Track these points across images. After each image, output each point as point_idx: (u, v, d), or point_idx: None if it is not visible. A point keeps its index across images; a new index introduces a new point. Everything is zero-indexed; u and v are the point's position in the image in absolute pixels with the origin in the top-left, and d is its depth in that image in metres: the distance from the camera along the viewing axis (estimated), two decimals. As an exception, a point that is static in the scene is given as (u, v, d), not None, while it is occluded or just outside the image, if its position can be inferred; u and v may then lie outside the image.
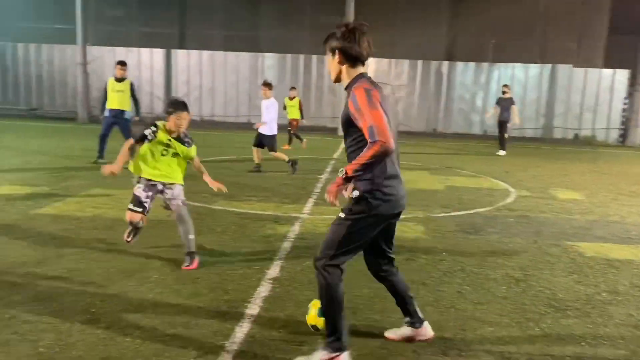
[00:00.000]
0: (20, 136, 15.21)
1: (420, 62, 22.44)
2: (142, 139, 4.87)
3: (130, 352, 3.25)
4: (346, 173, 3.00)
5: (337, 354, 3.14)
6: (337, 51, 3.16)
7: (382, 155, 2.91)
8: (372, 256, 3.48)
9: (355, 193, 3.10)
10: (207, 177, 5.14)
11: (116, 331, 3.51)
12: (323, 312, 3.30)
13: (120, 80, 10.66)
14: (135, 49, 23.33)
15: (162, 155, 4.94)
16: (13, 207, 6.81)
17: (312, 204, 7.78)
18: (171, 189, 4.99)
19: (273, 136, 10.50)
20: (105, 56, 23.02)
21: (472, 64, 22.33)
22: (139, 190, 4.93)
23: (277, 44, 23.53)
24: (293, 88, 16.11)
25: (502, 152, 15.63)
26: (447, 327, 3.84)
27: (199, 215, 6.78)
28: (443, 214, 7.51)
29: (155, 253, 5.20)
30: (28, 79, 23.87)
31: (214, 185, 5.09)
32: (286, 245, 5.65)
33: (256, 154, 10.55)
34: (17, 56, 23.85)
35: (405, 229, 6.51)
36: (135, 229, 5.03)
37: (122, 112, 10.65)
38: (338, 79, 3.24)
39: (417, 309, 3.54)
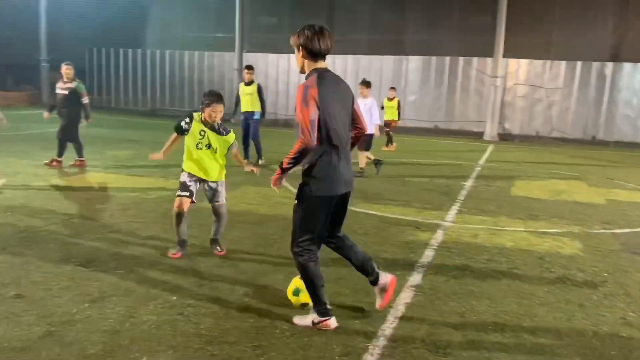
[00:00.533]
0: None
1: (579, 64, 20.62)
2: (179, 129, 5.09)
3: (279, 343, 3.42)
4: (281, 165, 3.59)
5: (325, 318, 3.65)
6: (300, 47, 3.58)
7: (305, 152, 3.43)
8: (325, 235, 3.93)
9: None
10: (247, 167, 5.38)
11: (267, 322, 3.73)
12: (298, 291, 3.89)
13: (249, 84, 11.28)
14: (285, 55, 24.58)
15: (198, 148, 5.04)
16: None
17: (455, 211, 7.54)
18: (211, 187, 5.17)
19: (371, 136, 10.25)
20: (259, 62, 24.60)
21: (642, 65, 19.99)
22: (184, 176, 5.10)
23: (423, 46, 23.21)
24: (392, 88, 15.76)
25: None
26: (607, 355, 3.48)
27: (342, 216, 6.93)
28: (603, 231, 6.82)
29: (301, 250, 5.41)
30: (191, 83, 26.37)
31: (248, 167, 5.35)
32: (428, 253, 5.55)
33: (363, 159, 10.25)
34: (184, 63, 26.47)
35: (560, 245, 6.03)
36: (181, 241, 5.08)
37: (252, 113, 11.26)
38: (302, 71, 3.69)
39: (374, 266, 4.06)
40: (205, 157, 5.07)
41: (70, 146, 9.82)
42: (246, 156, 11.35)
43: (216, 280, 4.47)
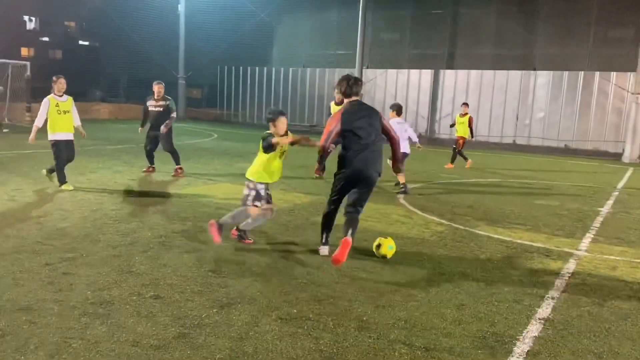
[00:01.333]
0: (301, 149, 17.34)
1: None
2: (271, 148, 5.64)
3: (398, 368, 3.35)
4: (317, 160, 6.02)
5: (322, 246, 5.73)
6: (339, 90, 5.79)
7: (322, 150, 5.68)
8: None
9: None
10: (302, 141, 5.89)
11: (385, 343, 3.67)
12: (379, 246, 5.70)
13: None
14: (405, 70, 24.51)
15: (279, 158, 5.78)
16: (299, 213, 7.77)
17: (590, 239, 6.94)
18: (268, 191, 5.90)
19: (405, 155, 9.86)
20: (378, 78, 24.77)
21: None
22: (261, 189, 5.74)
23: (553, 61, 21.87)
24: (465, 104, 14.79)
25: None
26: None
27: (462, 238, 6.70)
28: None
29: (419, 273, 5.29)
30: (312, 98, 27.20)
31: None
32: (559, 283, 5.14)
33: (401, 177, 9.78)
34: (305, 79, 27.41)
35: None
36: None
37: None
38: (340, 102, 6.16)
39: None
40: (279, 164, 5.84)
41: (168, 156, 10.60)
42: None
43: (335, 296, 4.51)
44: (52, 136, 8.54)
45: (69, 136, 8.70)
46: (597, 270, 5.62)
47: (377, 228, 7.01)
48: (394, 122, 10.40)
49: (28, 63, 21.65)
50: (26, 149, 13.47)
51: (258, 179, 5.74)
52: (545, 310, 4.45)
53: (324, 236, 5.74)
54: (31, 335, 3.53)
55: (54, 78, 8.83)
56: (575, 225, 7.73)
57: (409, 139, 10.47)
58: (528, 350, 3.69)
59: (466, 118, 14.43)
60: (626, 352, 3.75)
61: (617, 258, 6.09)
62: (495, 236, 6.88)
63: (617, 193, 11.03)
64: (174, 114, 10.64)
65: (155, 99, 10.56)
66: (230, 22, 28.31)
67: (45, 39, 40.11)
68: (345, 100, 5.69)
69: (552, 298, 4.74)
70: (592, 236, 7.13)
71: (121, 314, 3.94)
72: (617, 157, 18.82)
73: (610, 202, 9.91)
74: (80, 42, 41.32)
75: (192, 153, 14.69)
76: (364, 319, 4.07)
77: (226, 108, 30.19)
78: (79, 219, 6.74)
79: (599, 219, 8.29)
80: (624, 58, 19.79)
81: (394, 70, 24.68)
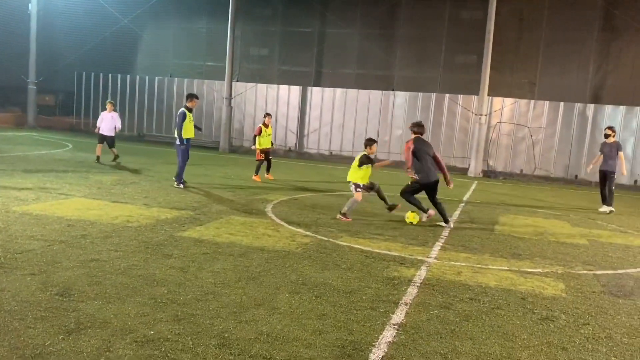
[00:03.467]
0: (169, 162, 16.74)
1: (562, 104, 21.13)
2: (370, 161, 9.40)
3: (258, 383, 3.33)
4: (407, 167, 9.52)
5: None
6: (413, 130, 9.42)
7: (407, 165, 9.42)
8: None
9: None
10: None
11: (246, 359, 3.64)
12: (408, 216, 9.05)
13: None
14: (274, 86, 24.84)
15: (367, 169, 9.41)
16: (162, 228, 7.46)
17: (439, 248, 7.55)
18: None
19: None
20: (248, 91, 24.81)
21: (622, 108, 20.52)
22: (360, 189, 9.36)
23: (410, 82, 23.63)
24: (268, 115, 14.92)
25: (605, 208, 12.55)
26: (591, 402, 3.45)
27: (325, 249, 6.91)
28: (585, 272, 6.86)
29: (283, 285, 5.35)
30: (179, 109, 26.37)
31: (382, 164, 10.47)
32: (411, 290, 5.51)
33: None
34: (172, 89, 26.54)
35: (543, 285, 6.04)
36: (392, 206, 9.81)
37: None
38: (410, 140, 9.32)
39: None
40: (369, 173, 9.47)
41: None
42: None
43: (197, 314, 4.38)
44: None
45: None
46: (445, 275, 6.12)
47: (244, 242, 6.97)
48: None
49: None
50: None
51: (359, 180, 9.42)
52: (398, 315, 4.73)
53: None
54: None
55: None
56: (427, 235, 8.37)
57: None
58: (382, 356, 3.89)
59: (270, 129, 14.48)
60: (467, 351, 4.11)
61: (462, 264, 6.70)
62: (357, 246, 7.20)
63: (463, 204, 12.15)
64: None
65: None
66: (91, 26, 26.54)
67: None
68: (414, 135, 9.46)
69: (405, 304, 5.06)
70: (442, 244, 7.77)
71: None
72: (463, 171, 20.78)
73: (457, 212, 10.89)
74: None
75: (43, 165, 13.45)
76: (226, 335, 4.00)
77: (83, 117, 28.12)
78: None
79: (448, 228, 9.05)
80: (469, 82, 21.98)
81: (264, 85, 24.90)
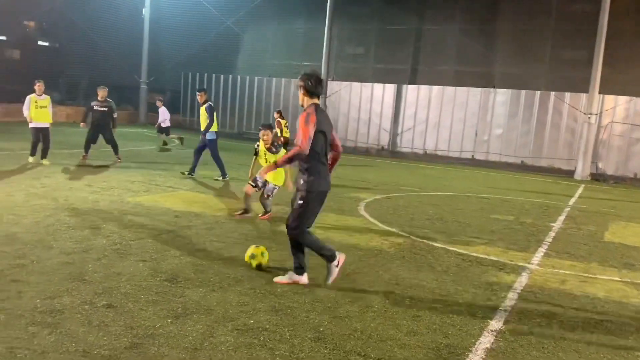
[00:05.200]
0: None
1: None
2: (255, 153, 8.03)
3: (352, 379, 3.37)
4: (276, 162, 5.32)
5: (301, 276, 5.14)
6: (303, 88, 4.98)
7: (299, 156, 4.86)
8: None
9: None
10: (289, 184, 7.59)
11: (340, 354, 3.69)
12: (254, 256, 5.48)
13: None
14: (369, 84, 24.81)
15: (267, 161, 7.66)
16: (261, 222, 7.73)
17: (542, 254, 7.16)
18: (268, 185, 7.81)
19: None
20: (342, 90, 25.00)
21: None
22: (258, 176, 7.64)
23: (512, 79, 22.58)
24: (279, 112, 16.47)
25: None
26: None
27: (419, 250, 6.80)
28: None
29: (376, 284, 5.34)
30: (276, 108, 27.16)
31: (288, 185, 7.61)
32: (512, 296, 5.29)
33: None
34: (270, 89, 27.39)
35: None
36: (246, 211, 7.90)
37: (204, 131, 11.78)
38: (303, 104, 5.04)
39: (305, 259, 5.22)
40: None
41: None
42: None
43: (293, 306, 4.50)
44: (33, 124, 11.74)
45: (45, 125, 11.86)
46: (548, 283, 5.80)
47: (337, 239, 7.05)
48: None
49: (-18, 62, 20.89)
50: (-23, 151, 12.96)
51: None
52: (497, 322, 4.56)
53: (327, 251, 5.15)
54: (-26, 345, 3.39)
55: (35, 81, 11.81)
56: (529, 240, 7.97)
57: None
58: (480, 362, 3.77)
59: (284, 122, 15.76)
60: (572, 364, 3.88)
61: (567, 272, 6.31)
62: (452, 249, 7.02)
63: (568, 209, 11.43)
64: (115, 114, 13.06)
65: (99, 101, 12.76)
66: (196, 28, 28.06)
67: (2, 37, 38.78)
68: (309, 102, 4.97)
69: (505, 310, 4.86)
70: (545, 250, 7.36)
71: (71, 323, 3.82)
72: (569, 174, 19.52)
73: (562, 217, 10.27)
74: (40, 43, 40.12)
75: (153, 159, 14.44)
76: (321, 329, 4.08)
77: (189, 114, 29.82)
78: (32, 224, 6.52)
79: (552, 234, 8.57)
80: (577, 79, 20.60)
81: (358, 84, 24.95)
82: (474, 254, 6.83)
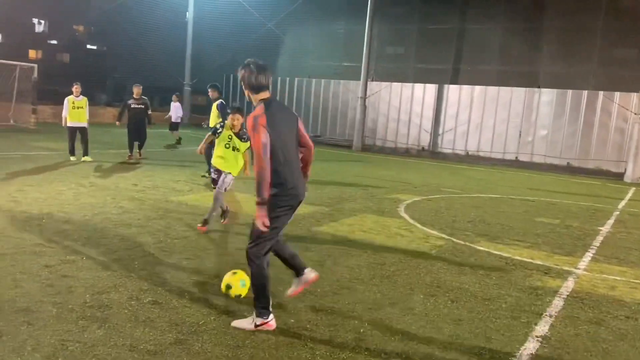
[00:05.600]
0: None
1: None
2: (213, 132, 6.97)
3: (393, 381, 3.35)
4: (257, 202, 3.74)
5: (267, 319, 3.91)
6: (243, 82, 3.93)
7: (263, 173, 3.69)
8: None
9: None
10: (247, 171, 7.03)
11: (381, 356, 3.67)
12: (229, 287, 4.44)
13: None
14: (409, 84, 24.60)
15: (226, 147, 6.82)
16: (299, 223, 7.78)
17: (589, 258, 6.94)
18: (225, 176, 6.84)
19: None
20: (382, 91, 24.87)
21: None
22: (213, 174, 7.05)
23: (557, 79, 21.95)
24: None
25: None
26: None
27: (461, 253, 6.70)
28: None
29: (417, 286, 5.29)
30: (316, 109, 27.29)
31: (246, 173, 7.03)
32: (557, 302, 5.14)
33: None
34: (310, 90, 27.51)
35: None
36: (224, 212, 7.16)
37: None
38: (250, 102, 3.97)
39: (301, 261, 4.25)
40: (232, 156, 6.85)
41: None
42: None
43: (333, 307, 4.51)
44: (69, 124, 12.47)
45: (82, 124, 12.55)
46: (596, 289, 5.61)
47: (377, 241, 7.02)
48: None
49: (35, 65, 21.78)
50: (30, 151, 13.53)
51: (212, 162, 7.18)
52: (542, 327, 4.45)
53: (270, 301, 3.96)
54: (28, 337, 3.54)
55: (73, 84, 12.56)
56: (575, 244, 7.73)
57: None
58: (524, 368, 3.69)
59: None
60: (622, 373, 3.74)
61: (617, 278, 6.09)
62: (495, 252, 6.88)
63: (618, 213, 11.02)
64: (150, 111, 13.74)
65: (135, 98, 13.43)
66: (238, 30, 28.49)
67: (53, 42, 40.36)
68: (256, 98, 3.91)
69: (550, 316, 4.73)
70: (592, 255, 7.13)
71: (119, 319, 3.95)
72: (619, 176, 18.82)
73: (611, 221, 9.91)
74: (88, 46, 41.56)
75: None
76: (361, 330, 4.07)
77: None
78: (81, 222, 6.76)
79: (600, 238, 8.28)
80: (627, 78, 19.86)
81: (399, 84, 24.77)
82: (518, 258, 6.68)
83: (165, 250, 5.81)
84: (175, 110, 18.69)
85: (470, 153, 22.88)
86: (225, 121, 6.94)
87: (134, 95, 13.52)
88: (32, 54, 37.08)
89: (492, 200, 11.63)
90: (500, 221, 9.04)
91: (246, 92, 3.96)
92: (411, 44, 26.43)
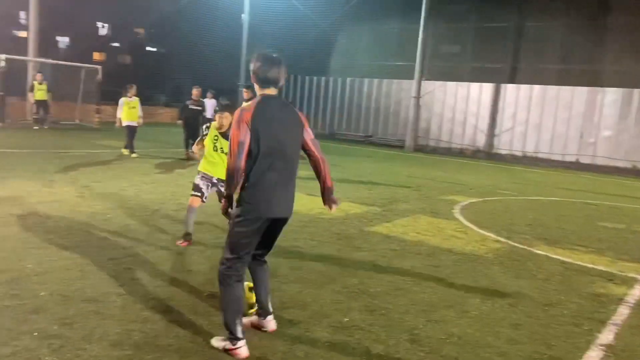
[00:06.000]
0: (357, 159, 17.39)
1: None
2: (202, 137, 6.02)
3: (449, 384, 3.31)
4: (224, 195, 3.57)
5: (236, 346, 3.45)
6: (252, 73, 3.58)
7: (232, 172, 3.37)
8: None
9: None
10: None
11: (437, 358, 3.63)
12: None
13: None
14: (465, 84, 24.11)
15: (214, 150, 5.87)
16: (351, 222, 7.79)
17: (658, 266, 6.59)
18: (222, 185, 5.61)
19: None
20: (436, 90, 24.50)
21: None
22: (198, 179, 5.96)
23: (623, 78, 20.94)
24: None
25: None
26: None
27: (519, 257, 6.52)
28: None
29: (473, 289, 5.19)
30: (367, 109, 27.19)
31: None
32: (623, 310, 4.91)
33: None
34: (363, 89, 27.44)
35: None
36: (187, 234, 5.91)
37: None
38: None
39: (269, 304, 3.82)
40: (222, 159, 5.72)
41: None
42: None
43: (388, 307, 4.49)
44: (125, 123, 13.18)
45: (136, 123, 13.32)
46: (665, 298, 5.33)
47: (431, 242, 6.93)
48: None
49: (99, 67, 22.79)
50: (95, 149, 14.18)
51: (199, 167, 6.11)
52: (607, 336, 4.27)
53: (239, 327, 3.47)
54: (97, 325, 3.72)
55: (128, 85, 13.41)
56: (642, 250, 7.37)
57: None
58: (587, 377, 3.56)
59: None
60: (695, 387, 3.54)
61: (688, 287, 5.75)
62: (555, 256, 6.65)
63: (689, 219, 10.40)
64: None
65: (193, 100, 13.97)
66: (292, 32, 28.77)
67: (116, 44, 42.10)
68: (259, 91, 3.60)
69: (615, 324, 4.53)
70: (661, 263, 6.77)
71: (180, 310, 4.08)
72: (690, 180, 17.78)
73: (681, 228, 9.36)
74: (148, 48, 43.09)
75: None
76: (416, 332, 4.04)
77: (283, 116, 30.63)
78: (143, 218, 7.03)
79: (668, 245, 7.85)
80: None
81: (454, 83, 24.33)
82: (579, 263, 6.43)
83: (222, 246, 5.94)
84: (210, 107, 17.96)
85: (527, 154, 22.19)
86: (208, 125, 6.05)
87: (193, 97, 14.07)
88: (96, 56, 38.80)
89: (551, 203, 11.24)
90: (560, 225, 8.73)
91: (255, 86, 3.64)
92: (467, 43, 25.89)
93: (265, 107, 3.46)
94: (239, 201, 3.48)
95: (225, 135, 5.77)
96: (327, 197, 3.79)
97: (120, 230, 6.30)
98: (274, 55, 3.60)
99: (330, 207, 3.81)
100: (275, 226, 3.63)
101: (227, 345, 3.48)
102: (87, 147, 14.33)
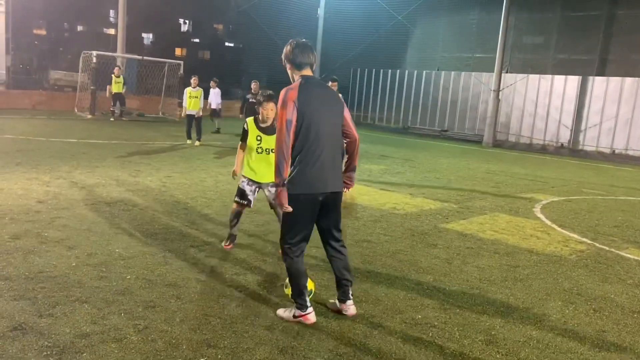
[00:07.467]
0: (432, 154, 17.03)
1: None
2: (243, 137, 5.31)
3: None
4: (279, 183, 3.59)
5: (305, 312, 3.77)
6: (286, 60, 3.80)
7: (282, 151, 3.51)
8: (322, 239, 4.03)
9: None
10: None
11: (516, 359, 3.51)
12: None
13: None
14: (548, 76, 22.98)
15: (259, 152, 5.19)
16: (426, 218, 7.66)
17: None
18: (270, 189, 5.26)
19: None
20: (517, 83, 23.51)
21: None
22: (243, 184, 5.33)
23: None
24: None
25: None
26: None
27: (605, 260, 6.14)
28: None
29: (554, 292, 4.95)
30: (444, 103, 26.56)
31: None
32: None
33: None
34: (439, 83, 26.83)
35: None
36: (232, 235, 5.51)
37: None
38: (292, 80, 3.80)
39: (349, 291, 3.98)
40: (266, 161, 5.21)
41: None
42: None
43: (462, 306, 4.39)
44: (187, 112, 13.89)
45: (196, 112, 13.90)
46: None
47: (510, 242, 6.68)
48: None
49: (182, 62, 23.75)
50: (177, 141, 14.82)
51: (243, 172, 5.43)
52: None
53: (306, 297, 3.82)
54: (177, 309, 3.90)
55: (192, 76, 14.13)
56: None
57: None
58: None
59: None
60: None
61: None
62: (647, 261, 6.21)
63: None
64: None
65: (253, 93, 14.22)
66: (368, 24, 28.63)
67: (196, 40, 43.68)
68: (297, 75, 3.78)
69: None
70: None
71: (255, 299, 4.19)
72: None
73: None
74: (227, 44, 44.38)
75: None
76: (492, 333, 3.91)
77: (356, 109, 30.57)
78: (220, 207, 7.28)
79: None
80: None
81: (536, 76, 23.24)
82: (675, 269, 5.96)
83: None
84: (214, 97, 17.45)
85: (616, 151, 20.85)
86: (246, 120, 5.39)
87: (252, 90, 14.40)
88: (177, 51, 40.47)
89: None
90: (652, 227, 8.13)
91: (289, 71, 3.84)
92: (552, 33, 24.61)
93: (309, 86, 3.68)
94: (290, 181, 3.63)
95: (270, 131, 5.14)
96: (348, 173, 4.00)
97: (199, 219, 6.55)
98: (304, 40, 3.86)
99: (347, 187, 4.01)
100: (328, 202, 3.78)
101: (297, 312, 3.79)
102: (169, 139, 15.02)
